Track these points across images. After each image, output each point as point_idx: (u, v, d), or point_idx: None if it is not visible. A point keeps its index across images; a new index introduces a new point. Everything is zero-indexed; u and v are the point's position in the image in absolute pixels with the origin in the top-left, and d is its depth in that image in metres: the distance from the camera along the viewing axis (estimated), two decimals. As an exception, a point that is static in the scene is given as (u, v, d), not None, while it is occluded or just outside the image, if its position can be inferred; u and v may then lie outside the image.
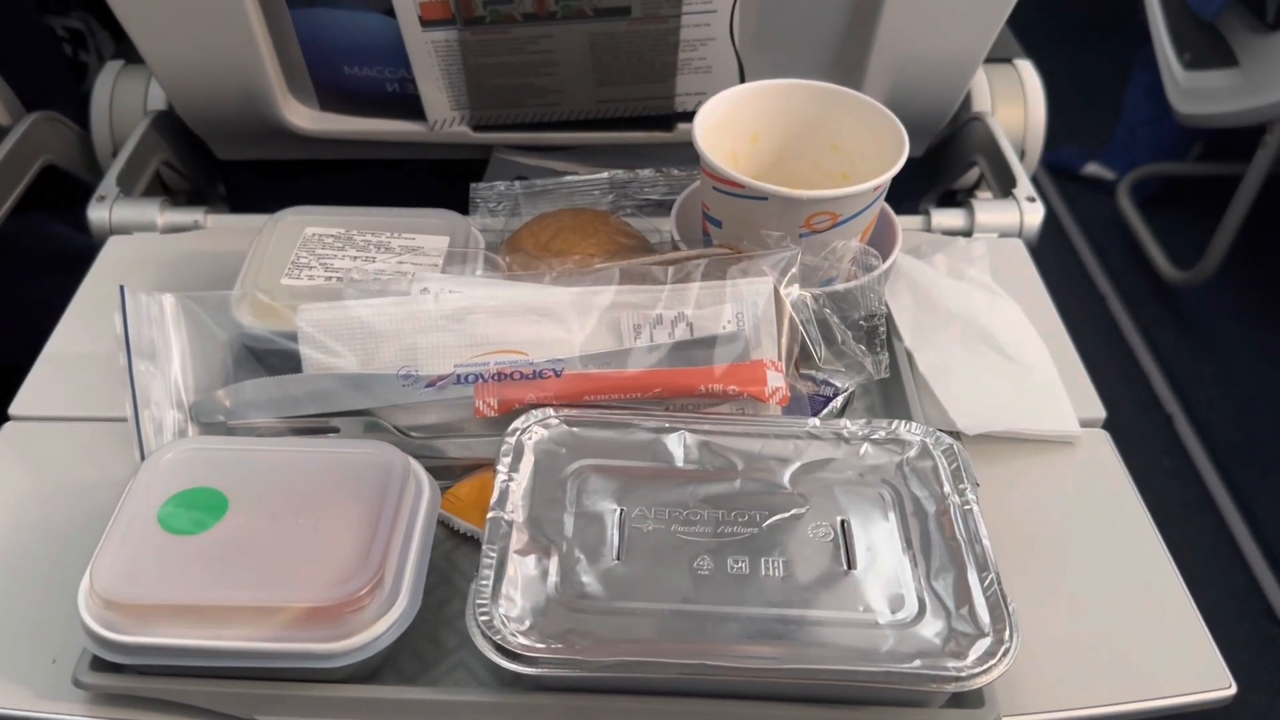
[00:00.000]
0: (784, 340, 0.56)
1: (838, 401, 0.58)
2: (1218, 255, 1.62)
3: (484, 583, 0.45)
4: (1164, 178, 1.94)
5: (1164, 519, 0.57)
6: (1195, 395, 1.61)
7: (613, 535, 0.48)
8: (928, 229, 0.76)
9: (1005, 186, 0.78)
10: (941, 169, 0.89)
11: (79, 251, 0.75)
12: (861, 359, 0.58)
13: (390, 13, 0.69)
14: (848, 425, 0.53)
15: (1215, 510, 1.45)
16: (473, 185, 0.72)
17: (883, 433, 0.53)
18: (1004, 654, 0.43)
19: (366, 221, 0.66)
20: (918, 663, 0.43)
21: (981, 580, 0.46)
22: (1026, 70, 0.88)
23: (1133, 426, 1.56)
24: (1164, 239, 1.80)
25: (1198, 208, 1.77)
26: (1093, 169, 2.02)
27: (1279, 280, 1.78)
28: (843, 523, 0.49)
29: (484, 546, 0.46)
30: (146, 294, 0.57)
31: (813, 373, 0.58)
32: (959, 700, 0.45)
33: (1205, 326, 1.74)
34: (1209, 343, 1.71)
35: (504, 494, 0.49)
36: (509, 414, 0.53)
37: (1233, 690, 0.49)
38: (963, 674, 0.43)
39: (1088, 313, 1.77)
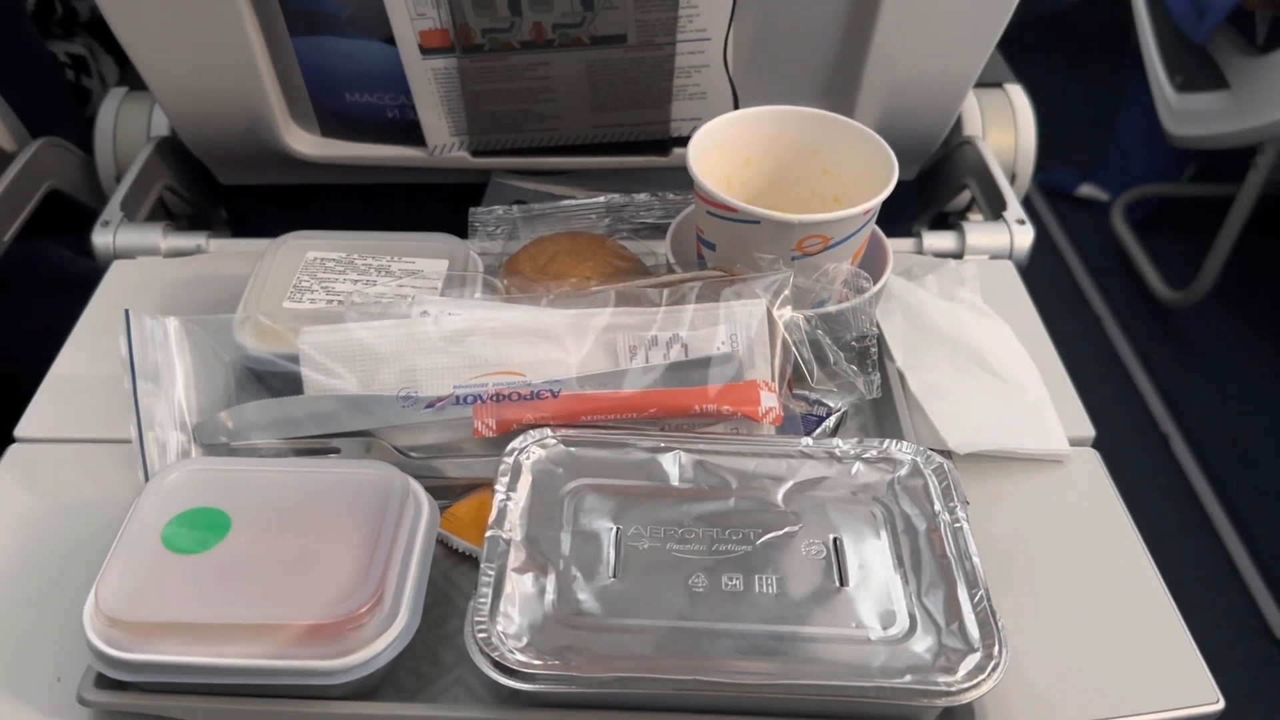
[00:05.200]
0: (777, 361, 0.57)
1: (830, 421, 0.59)
2: (1211, 275, 1.64)
3: (482, 600, 0.46)
4: (1158, 199, 1.95)
5: (1160, 539, 0.58)
6: (1191, 415, 1.61)
7: (609, 553, 0.48)
8: (919, 251, 0.77)
9: (996, 209, 0.79)
10: (933, 192, 0.90)
11: (83, 276, 0.76)
12: (853, 379, 0.59)
13: (390, 41, 0.70)
14: (840, 444, 0.54)
15: (1212, 530, 1.46)
16: (471, 209, 0.73)
17: (874, 452, 0.54)
18: (993, 669, 0.44)
19: (367, 245, 0.67)
20: (909, 678, 0.44)
21: (971, 597, 0.47)
22: (1017, 94, 0.89)
23: (1129, 447, 1.57)
24: (1158, 259, 1.82)
25: (1191, 228, 1.78)
26: (1087, 190, 2.04)
27: (1273, 299, 1.79)
28: (835, 540, 0.49)
29: (482, 565, 0.47)
30: (151, 317, 0.57)
31: (805, 393, 0.59)
32: (950, 715, 0.46)
33: (1200, 346, 1.75)
34: (1204, 362, 1.72)
35: (502, 513, 0.49)
36: (507, 434, 0.54)
37: (1220, 705, 0.49)
38: (953, 689, 0.43)
39: (1083, 333, 1.78)
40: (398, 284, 0.64)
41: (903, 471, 0.53)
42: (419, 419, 0.55)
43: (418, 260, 0.66)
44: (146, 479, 0.53)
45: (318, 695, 0.46)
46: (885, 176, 0.60)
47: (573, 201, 0.75)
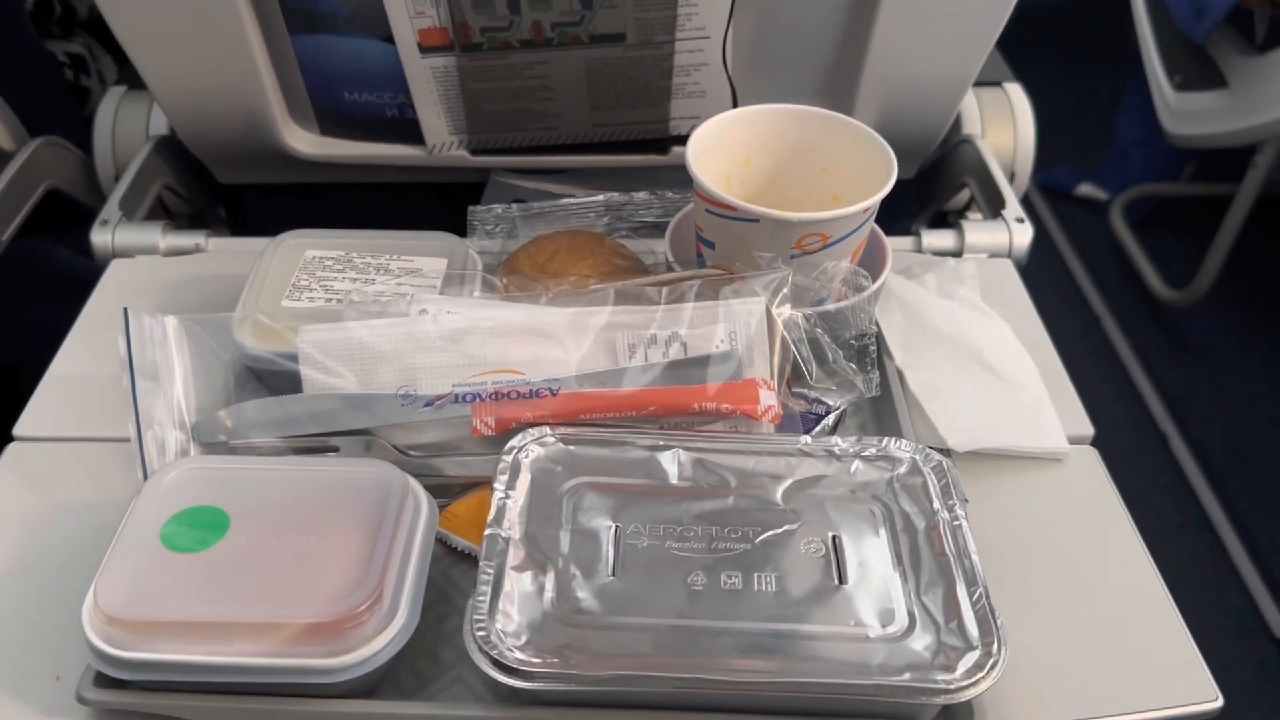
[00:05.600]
0: (776, 359, 0.57)
1: (829, 419, 0.59)
2: (1210, 274, 1.63)
3: (481, 599, 0.46)
4: (1156, 198, 1.95)
5: (1159, 538, 0.58)
6: (1190, 414, 1.61)
7: (608, 551, 0.48)
8: (918, 249, 0.77)
9: (995, 208, 0.79)
10: (932, 190, 0.90)
11: (82, 275, 0.76)
12: (852, 377, 0.59)
13: (389, 39, 0.70)
14: (839, 443, 0.54)
15: (1211, 529, 1.46)
16: (470, 208, 0.73)
17: (873, 450, 0.54)
18: (992, 667, 0.44)
19: (366, 244, 0.67)
20: (908, 676, 0.44)
21: (970, 594, 0.47)
22: (1016, 93, 0.89)
23: (1128, 446, 1.57)
24: (1157, 259, 1.82)
25: (1190, 227, 1.78)
26: (1086, 189, 2.04)
27: (1271, 299, 1.79)
28: (834, 538, 0.49)
29: (481, 563, 0.47)
30: (150, 316, 0.57)
31: (805, 391, 0.59)
32: (949, 713, 0.46)
33: (1199, 345, 1.75)
34: (1203, 362, 1.72)
35: (501, 511, 0.49)
36: (506, 432, 0.54)
37: (1219, 702, 0.49)
38: (952, 686, 0.43)
39: (1081, 332, 1.78)
40: (396, 282, 0.64)
41: (902, 469, 0.53)
42: (418, 417, 0.55)
43: (417, 259, 0.66)
44: (145, 478, 0.53)
45: (317, 693, 0.46)
46: (884, 175, 0.60)
47: (572, 200, 0.75)
